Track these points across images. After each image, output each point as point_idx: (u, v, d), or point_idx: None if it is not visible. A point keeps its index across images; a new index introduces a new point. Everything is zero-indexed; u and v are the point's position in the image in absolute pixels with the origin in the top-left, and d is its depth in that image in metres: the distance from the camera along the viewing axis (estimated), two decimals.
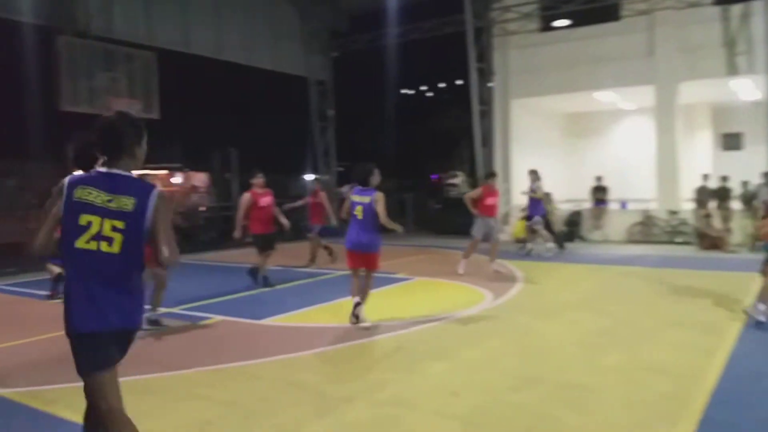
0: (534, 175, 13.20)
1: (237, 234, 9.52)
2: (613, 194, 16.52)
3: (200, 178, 22.41)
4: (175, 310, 8.16)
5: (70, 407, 4.64)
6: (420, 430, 4.19)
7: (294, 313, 7.81)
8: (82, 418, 4.31)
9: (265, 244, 9.70)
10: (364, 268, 7.03)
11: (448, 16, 17.68)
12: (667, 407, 4.43)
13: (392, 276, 10.64)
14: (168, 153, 20.37)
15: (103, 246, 2.86)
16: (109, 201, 2.88)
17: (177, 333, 7.01)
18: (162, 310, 8.06)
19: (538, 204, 13.11)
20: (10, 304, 9.19)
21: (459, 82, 33.14)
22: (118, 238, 2.86)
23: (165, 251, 2.92)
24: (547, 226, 13.86)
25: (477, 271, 10.79)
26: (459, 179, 29.86)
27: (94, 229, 2.86)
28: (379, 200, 6.84)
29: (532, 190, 13.09)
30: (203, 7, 16.69)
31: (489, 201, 10.95)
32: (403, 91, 38.31)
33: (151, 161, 16.19)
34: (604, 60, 15.75)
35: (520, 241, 15.84)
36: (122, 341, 3.06)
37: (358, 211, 6.89)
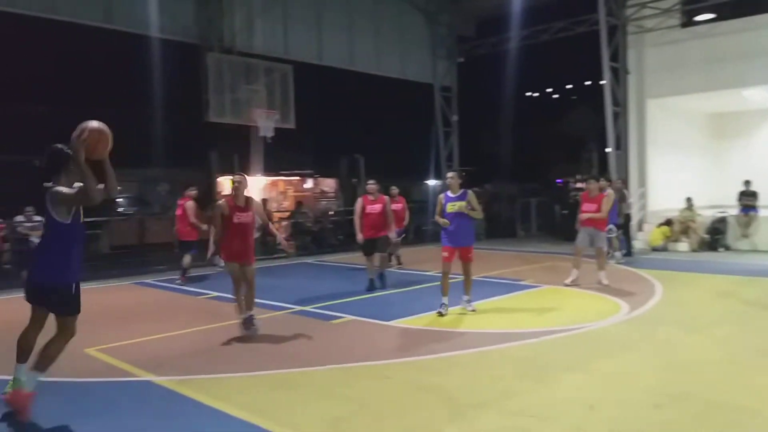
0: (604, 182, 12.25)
1: (359, 238, 9.80)
2: (764, 200, 15.02)
3: (329, 184, 23.23)
4: (308, 308, 8.48)
5: (219, 397, 4.95)
6: None
7: (421, 315, 7.83)
8: (227, 406, 4.59)
9: (368, 249, 9.88)
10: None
11: (577, 16, 17.01)
12: None
13: (519, 283, 10.38)
14: (300, 160, 21.35)
15: None
16: None
17: (311, 331, 7.26)
18: (296, 308, 8.42)
19: (612, 211, 11.90)
20: (163, 298, 10.00)
21: (587, 82, 31.87)
22: None
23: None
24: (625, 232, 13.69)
25: (611, 280, 10.23)
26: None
27: None
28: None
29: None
30: (336, 22, 17.29)
31: (585, 207, 10.00)
32: (528, 93, 37.42)
33: (284, 168, 17.15)
34: (753, 55, 14.39)
35: (657, 250, 14.88)
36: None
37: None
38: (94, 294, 10.27)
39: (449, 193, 7.96)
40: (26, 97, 17.75)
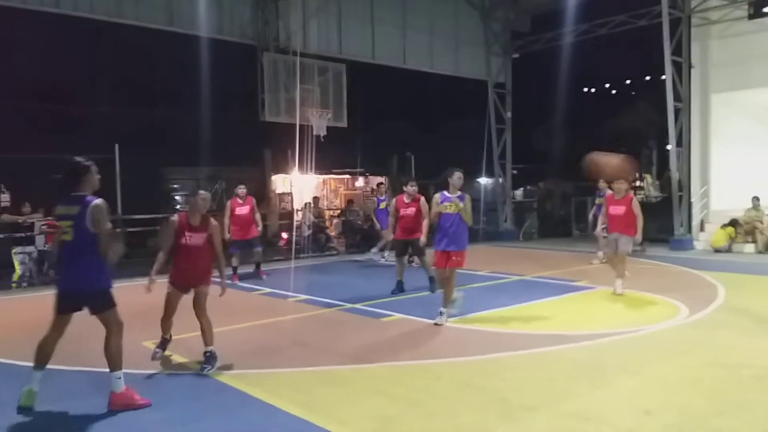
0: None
1: (389, 237, 9.71)
2: None
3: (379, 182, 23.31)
4: (359, 305, 8.54)
5: (271, 392, 5.05)
6: None
7: (471, 315, 7.75)
8: (278, 401, 4.66)
9: (399, 250, 9.81)
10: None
11: (638, 9, 16.48)
12: None
13: (573, 284, 10.17)
14: (351, 158, 21.46)
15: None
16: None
17: (361, 328, 7.32)
18: (347, 305, 8.50)
19: None
20: (216, 294, 10.23)
21: (647, 77, 30.86)
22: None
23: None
24: None
25: (670, 282, 9.91)
26: (646, 182, 27.77)
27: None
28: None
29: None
30: (389, 20, 17.33)
31: (612, 210, 9.27)
32: (585, 89, 36.51)
33: (335, 166, 17.24)
34: None
35: (720, 251, 14.31)
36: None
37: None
38: (153, 288, 10.62)
39: (447, 193, 7.36)
40: (89, 99, 18.48)
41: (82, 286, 4.68)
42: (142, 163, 17.13)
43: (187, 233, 5.86)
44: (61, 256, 5.13)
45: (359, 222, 17.56)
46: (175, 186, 20.78)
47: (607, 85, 38.68)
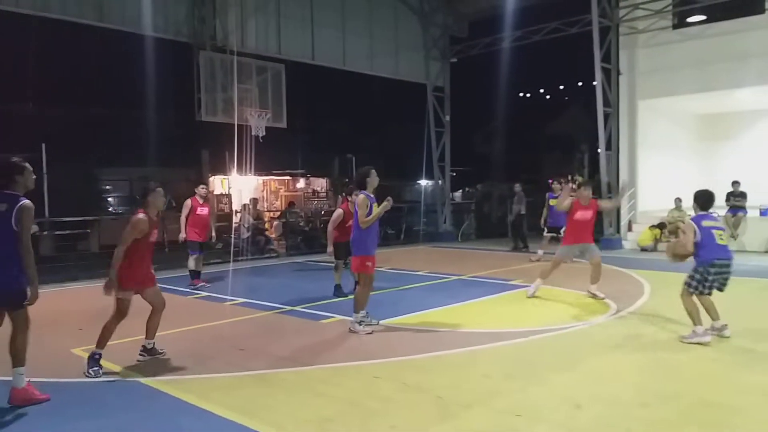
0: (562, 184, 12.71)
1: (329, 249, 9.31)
2: (752, 200, 15.10)
3: (321, 184, 23.19)
4: (298, 308, 8.45)
5: (205, 397, 4.92)
6: None
7: (409, 315, 7.81)
8: (213, 406, 4.56)
9: (339, 253, 9.31)
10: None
11: (570, 17, 17.06)
12: None
13: (509, 283, 10.39)
14: (292, 160, 21.29)
15: None
16: None
17: (300, 331, 7.24)
18: (286, 308, 8.41)
19: (559, 215, 11.17)
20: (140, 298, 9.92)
21: (580, 83, 31.98)
22: None
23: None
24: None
25: (600, 281, 10.25)
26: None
27: None
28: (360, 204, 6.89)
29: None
30: (329, 21, 17.29)
31: (580, 216, 8.87)
32: (521, 94, 37.49)
33: (276, 168, 16.99)
34: (744, 56, 14.48)
35: (646, 250, 14.94)
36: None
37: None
38: (81, 293, 10.22)
39: (370, 194, 7.01)
40: (14, 96, 17.60)
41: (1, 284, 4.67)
42: (71, 163, 16.48)
43: (153, 231, 5.82)
44: None
45: (300, 223, 17.43)
46: (107, 187, 20.07)
47: (542, 90, 39.89)
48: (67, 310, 8.49)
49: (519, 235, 16.01)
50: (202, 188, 10.60)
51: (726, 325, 6.47)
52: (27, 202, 4.71)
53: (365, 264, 7.03)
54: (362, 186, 7.07)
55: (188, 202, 10.47)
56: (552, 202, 13.17)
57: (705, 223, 6.46)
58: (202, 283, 10.43)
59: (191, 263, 10.47)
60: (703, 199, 6.66)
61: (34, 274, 4.69)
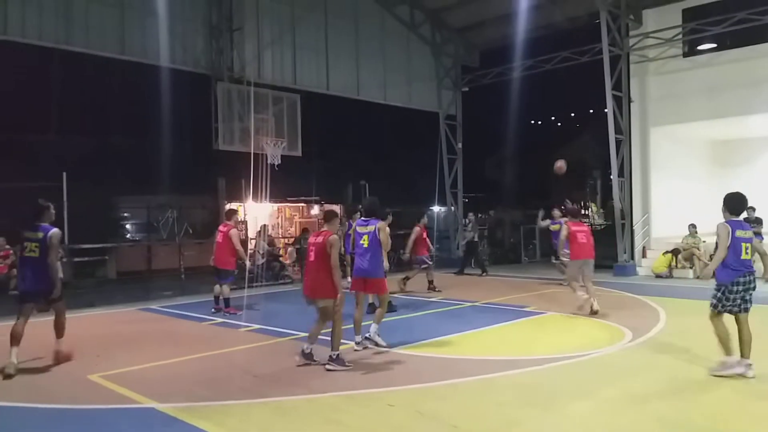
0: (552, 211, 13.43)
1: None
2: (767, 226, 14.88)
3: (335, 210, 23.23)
4: None
5: (220, 424, 4.88)
6: None
7: (423, 342, 7.74)
8: None
9: None
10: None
11: (580, 46, 17.16)
12: None
13: (523, 309, 10.27)
14: (306, 187, 21.40)
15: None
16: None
17: (315, 357, 7.17)
18: (302, 334, 8.35)
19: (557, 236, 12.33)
20: (168, 324, 9.94)
21: (591, 111, 32.02)
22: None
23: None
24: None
25: (614, 308, 10.12)
26: (591, 210, 28.58)
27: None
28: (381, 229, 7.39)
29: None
30: (343, 52, 17.58)
31: (580, 237, 9.73)
32: (532, 121, 37.63)
33: (290, 194, 16.97)
34: (755, 83, 14.44)
35: (660, 276, 14.75)
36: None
37: (365, 240, 7.40)
38: (99, 319, 10.24)
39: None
40: (38, 127, 17.95)
41: (39, 286, 6.76)
42: (91, 192, 16.66)
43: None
44: (24, 267, 6.93)
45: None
46: (125, 214, 20.23)
47: (553, 118, 40.00)
48: (84, 337, 8.50)
49: (477, 261, 16.68)
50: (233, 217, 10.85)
51: (751, 364, 5.95)
52: (56, 230, 6.84)
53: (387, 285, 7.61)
54: (379, 214, 7.61)
55: (237, 232, 10.58)
56: (554, 227, 13.21)
57: (738, 233, 5.95)
58: (237, 312, 10.35)
59: (227, 291, 10.46)
60: (734, 203, 6.08)
61: (57, 279, 6.77)
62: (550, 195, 31.16)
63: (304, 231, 18.23)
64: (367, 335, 7.48)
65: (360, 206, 9.26)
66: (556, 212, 13.62)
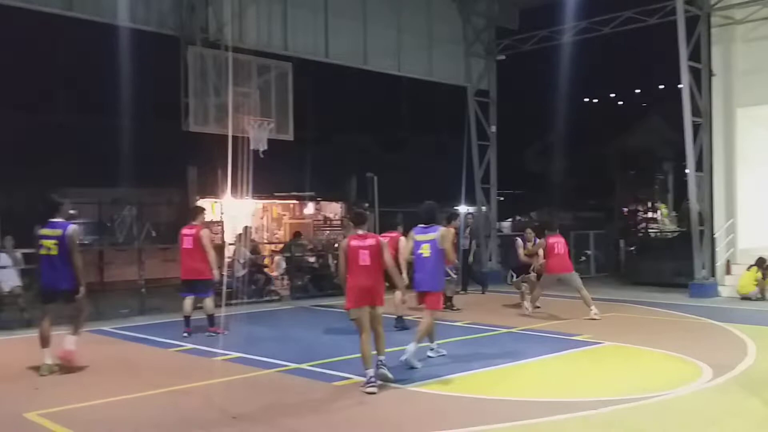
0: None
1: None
2: None
3: (334, 209, 23.30)
4: (305, 366, 8.43)
5: None
6: None
7: (448, 378, 7.75)
8: None
9: None
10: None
11: (649, 4, 17.10)
12: None
13: (573, 338, 10.27)
14: (299, 180, 21.45)
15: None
16: None
17: (308, 395, 7.21)
18: (290, 365, 8.43)
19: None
20: (124, 350, 10.01)
21: (661, 86, 31.91)
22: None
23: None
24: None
25: (689, 337, 10.11)
26: (660, 213, 28.49)
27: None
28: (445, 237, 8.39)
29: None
30: (347, 10, 17.48)
31: (558, 248, 11.93)
32: (586, 99, 37.53)
33: (279, 189, 17.13)
34: None
35: (748, 298, 14.69)
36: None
37: (425, 250, 8.32)
38: (37, 343, 10.32)
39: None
40: None
41: (61, 286, 8.15)
42: (25, 183, 16.77)
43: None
44: (42, 266, 8.30)
45: (309, 259, 17.47)
46: (71, 212, 20.28)
47: (613, 95, 39.84)
48: (19, 364, 8.59)
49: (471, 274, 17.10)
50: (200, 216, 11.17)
51: None
52: (74, 226, 8.36)
53: None
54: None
55: (208, 233, 10.83)
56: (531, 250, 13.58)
57: None
58: (223, 332, 10.63)
59: (211, 306, 10.64)
60: None
61: (82, 274, 8.23)
62: (611, 192, 31.10)
63: (296, 235, 18.34)
64: (403, 358, 8.06)
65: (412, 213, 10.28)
66: (530, 232, 14.28)
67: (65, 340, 8.13)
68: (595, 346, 9.76)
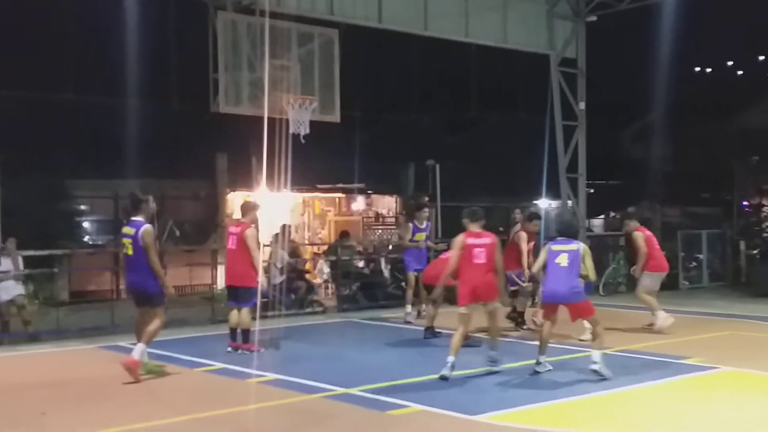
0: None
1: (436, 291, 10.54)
2: None
3: (388, 204, 23.34)
4: (354, 391, 8.47)
5: None
6: None
7: (527, 408, 7.72)
8: None
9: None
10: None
11: None
12: None
13: (682, 362, 10.10)
14: (346, 169, 21.55)
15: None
16: None
17: (360, 426, 7.26)
18: (337, 390, 8.48)
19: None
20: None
21: None
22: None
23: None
24: None
25: None
26: None
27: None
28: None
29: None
30: None
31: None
32: (697, 69, 36.81)
33: (323, 180, 17.34)
34: None
35: None
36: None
37: (562, 259, 9.17)
38: (46, 360, 10.62)
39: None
40: None
41: (136, 287, 9.25)
42: (31, 174, 17.18)
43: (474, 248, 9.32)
44: (125, 265, 9.49)
45: (358, 264, 17.52)
46: (82, 208, 20.71)
47: (731, 63, 39.00)
48: (25, 385, 8.83)
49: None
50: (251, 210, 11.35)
51: None
52: (147, 226, 9.01)
53: None
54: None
55: (255, 232, 10.92)
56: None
57: None
58: (259, 349, 10.81)
59: (247, 320, 10.77)
60: None
61: (162, 277, 9.22)
62: (728, 182, 30.42)
63: (343, 235, 18.41)
64: (593, 367, 8.87)
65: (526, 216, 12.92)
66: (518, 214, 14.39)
67: (135, 348, 8.96)
68: (709, 371, 9.59)
